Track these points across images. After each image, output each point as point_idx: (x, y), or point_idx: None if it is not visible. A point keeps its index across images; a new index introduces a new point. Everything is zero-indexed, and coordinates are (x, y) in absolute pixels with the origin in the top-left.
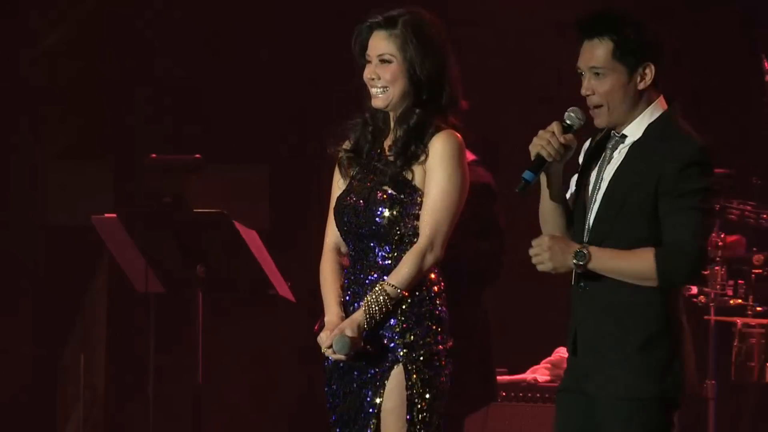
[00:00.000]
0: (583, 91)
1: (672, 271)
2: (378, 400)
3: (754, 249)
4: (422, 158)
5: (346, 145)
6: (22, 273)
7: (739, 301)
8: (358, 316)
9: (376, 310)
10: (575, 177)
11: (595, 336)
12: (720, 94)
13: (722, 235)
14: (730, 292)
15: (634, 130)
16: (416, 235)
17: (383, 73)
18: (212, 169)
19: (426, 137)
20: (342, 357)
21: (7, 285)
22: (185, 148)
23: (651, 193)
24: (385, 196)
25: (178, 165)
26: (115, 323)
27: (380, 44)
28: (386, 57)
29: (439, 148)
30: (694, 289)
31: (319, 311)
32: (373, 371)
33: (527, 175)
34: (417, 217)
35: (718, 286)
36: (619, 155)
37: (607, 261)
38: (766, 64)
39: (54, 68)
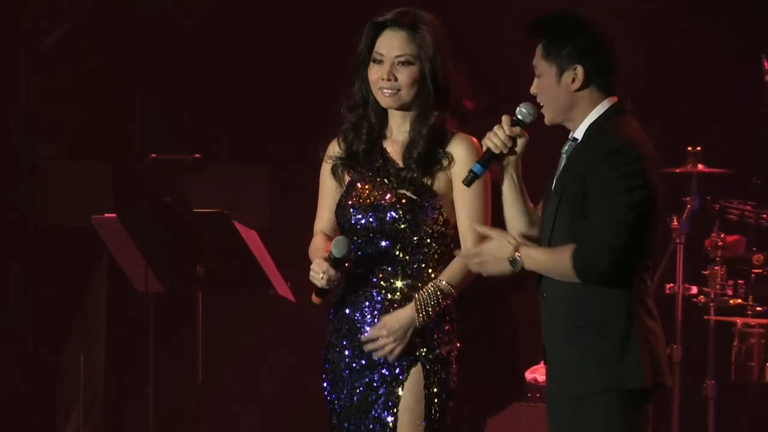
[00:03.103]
0: (531, 90)
1: (584, 269)
2: (390, 420)
3: (754, 249)
4: (444, 164)
5: (338, 152)
6: (23, 273)
7: (739, 301)
8: (408, 312)
9: (429, 307)
10: None
11: (552, 338)
12: (720, 94)
13: (722, 235)
14: (730, 292)
15: (581, 133)
16: (433, 237)
17: (401, 74)
18: (212, 169)
19: (445, 142)
20: (339, 258)
21: (7, 285)
22: (185, 148)
23: (579, 193)
24: (404, 201)
25: (178, 165)
26: (115, 323)
27: (400, 45)
28: (407, 59)
29: (464, 156)
30: (694, 289)
31: (320, 311)
32: (382, 384)
33: (475, 167)
34: (435, 221)
35: (718, 286)
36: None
37: (533, 263)
38: (766, 64)
39: (54, 68)
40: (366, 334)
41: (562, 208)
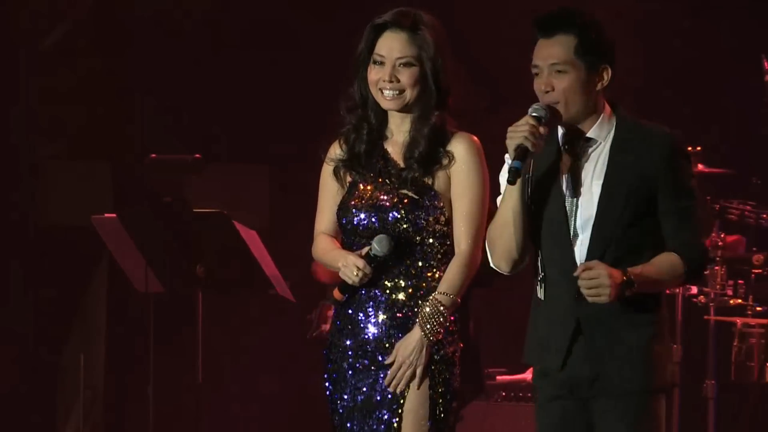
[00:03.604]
0: (543, 87)
1: (695, 270)
2: (395, 420)
3: (754, 249)
4: (444, 162)
5: (339, 154)
6: (23, 273)
7: (739, 301)
8: (415, 334)
9: (435, 322)
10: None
11: (597, 339)
12: (720, 94)
13: (722, 235)
14: (730, 292)
15: (597, 133)
16: (435, 236)
17: (403, 76)
18: (212, 169)
19: (446, 141)
20: (381, 254)
21: (7, 285)
22: (185, 148)
23: (645, 197)
24: (406, 200)
25: (178, 165)
26: (115, 323)
27: (401, 47)
28: (408, 60)
29: (464, 153)
30: (694, 289)
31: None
32: (387, 385)
33: (515, 163)
34: (437, 221)
35: (718, 286)
36: (592, 160)
37: (647, 279)
38: (766, 64)
39: (54, 68)
40: (384, 364)
41: (630, 203)
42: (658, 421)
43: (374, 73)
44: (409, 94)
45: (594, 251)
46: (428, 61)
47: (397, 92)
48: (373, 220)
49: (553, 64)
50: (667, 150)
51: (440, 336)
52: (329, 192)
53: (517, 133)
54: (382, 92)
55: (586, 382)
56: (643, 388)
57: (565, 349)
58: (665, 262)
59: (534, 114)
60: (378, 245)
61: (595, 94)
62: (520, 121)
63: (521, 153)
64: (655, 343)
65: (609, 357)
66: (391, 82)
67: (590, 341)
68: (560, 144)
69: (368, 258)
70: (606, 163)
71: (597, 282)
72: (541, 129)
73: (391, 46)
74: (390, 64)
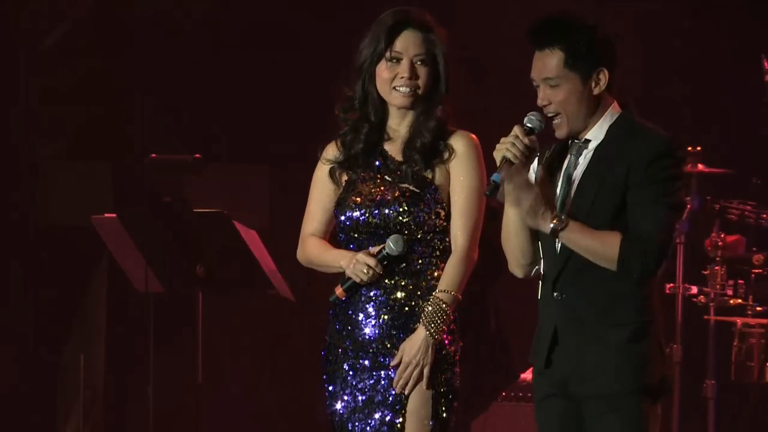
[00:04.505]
0: (540, 102)
1: (630, 262)
2: (398, 421)
3: (754, 249)
4: (445, 156)
5: (336, 155)
6: (23, 273)
7: (739, 301)
8: (420, 333)
9: (439, 320)
10: None
11: (577, 338)
12: (720, 94)
13: (722, 235)
14: (730, 292)
15: (596, 134)
16: (435, 231)
17: (422, 74)
18: (212, 169)
19: (446, 137)
20: (395, 254)
21: (7, 284)
22: (185, 148)
23: (621, 192)
24: (407, 194)
25: (178, 165)
26: (115, 323)
27: (419, 45)
28: (424, 58)
29: (463, 149)
30: (694, 289)
31: (318, 309)
32: (389, 386)
33: (496, 177)
34: (438, 216)
35: (718, 286)
36: (584, 160)
37: (579, 235)
38: (766, 64)
39: (54, 68)
40: (391, 372)
41: (599, 199)
42: (643, 423)
43: (389, 71)
44: (422, 92)
45: (565, 246)
46: (441, 58)
47: (413, 89)
48: (374, 215)
49: (545, 78)
50: (652, 149)
51: (444, 335)
52: (322, 193)
53: (503, 145)
54: (397, 89)
55: (573, 381)
56: (624, 389)
57: (547, 348)
58: (605, 236)
59: (528, 125)
60: (394, 245)
61: (595, 99)
62: (510, 134)
63: (503, 165)
64: (637, 342)
65: (588, 356)
66: (410, 78)
67: (570, 340)
68: (568, 146)
69: (381, 257)
70: (587, 164)
71: (517, 193)
72: (526, 140)
73: (408, 43)
74: (407, 62)
